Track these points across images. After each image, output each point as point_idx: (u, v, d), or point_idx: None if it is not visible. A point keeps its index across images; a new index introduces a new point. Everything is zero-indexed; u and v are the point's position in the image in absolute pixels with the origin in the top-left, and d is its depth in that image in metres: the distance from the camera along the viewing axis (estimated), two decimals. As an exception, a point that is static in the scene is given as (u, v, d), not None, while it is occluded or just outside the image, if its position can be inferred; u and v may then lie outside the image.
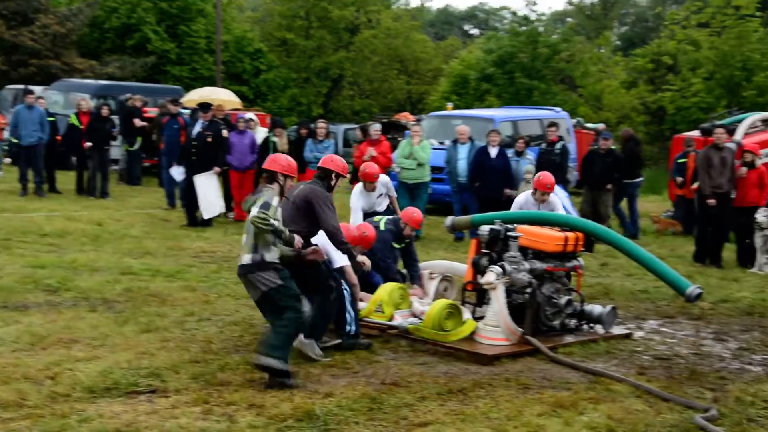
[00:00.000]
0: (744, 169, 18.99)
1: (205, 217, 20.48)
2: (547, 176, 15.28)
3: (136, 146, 27.99)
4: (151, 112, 29.43)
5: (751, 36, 39.92)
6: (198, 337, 11.20)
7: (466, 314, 11.70)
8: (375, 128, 21.49)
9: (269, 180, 9.78)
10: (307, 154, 21.36)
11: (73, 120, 25.96)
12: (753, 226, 18.33)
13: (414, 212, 13.28)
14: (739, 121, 26.05)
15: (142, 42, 48.93)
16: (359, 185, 15.29)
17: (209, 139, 20.12)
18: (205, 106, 21.11)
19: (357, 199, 15.11)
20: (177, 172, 21.00)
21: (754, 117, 26.65)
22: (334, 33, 54.84)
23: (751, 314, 14.22)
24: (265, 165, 9.99)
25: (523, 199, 15.10)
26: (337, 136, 23.82)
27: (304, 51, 54.29)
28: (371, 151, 20.50)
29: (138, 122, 27.42)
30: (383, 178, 15.12)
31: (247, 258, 9.62)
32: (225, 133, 20.93)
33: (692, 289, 11.54)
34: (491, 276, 11.32)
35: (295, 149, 21.52)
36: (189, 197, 20.48)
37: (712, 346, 12.05)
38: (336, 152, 21.44)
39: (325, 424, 8.27)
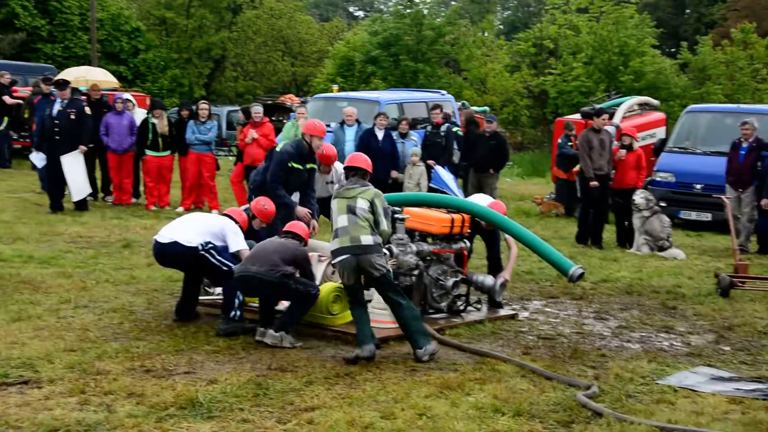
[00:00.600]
0: (623, 152, 19.32)
1: (74, 199, 19.94)
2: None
3: (3, 126, 27.10)
4: (22, 91, 28.73)
5: (627, 22, 40.64)
6: (74, 325, 10.98)
7: None
8: (256, 110, 21.33)
9: (363, 176, 10.38)
10: (189, 136, 21.13)
11: None
12: (631, 207, 18.68)
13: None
14: (618, 104, 26.57)
15: (9, 17, 47.16)
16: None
17: (72, 117, 19.49)
18: (61, 84, 20.32)
19: None
20: (37, 159, 20.52)
21: (632, 101, 27.24)
22: (216, 12, 54.38)
23: (630, 293, 14.50)
24: (356, 164, 10.49)
25: None
26: (220, 118, 23.57)
27: (185, 30, 53.69)
28: (253, 133, 20.38)
29: (8, 100, 26.62)
30: (338, 165, 14.56)
31: (367, 239, 9.89)
32: (88, 110, 20.42)
33: (575, 269, 11.72)
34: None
35: (177, 131, 21.34)
36: (53, 180, 19.86)
37: (594, 325, 12.28)
38: (219, 134, 21.32)
39: (209, 411, 8.21)
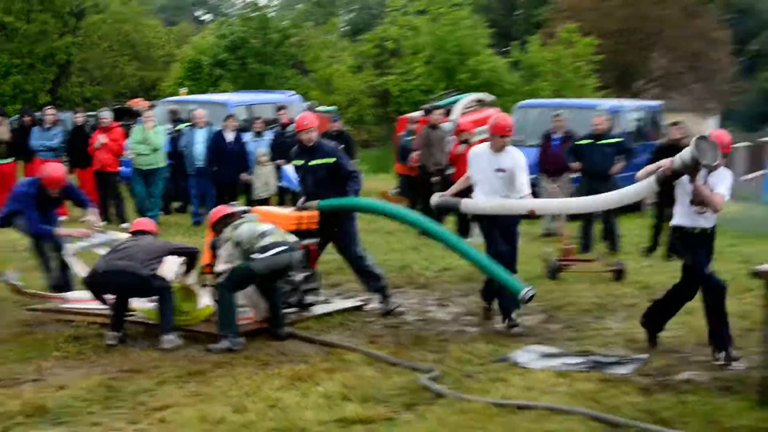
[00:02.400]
0: (461, 147, 19.60)
1: None
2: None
3: None
4: None
5: (463, 23, 41.21)
6: None
7: (206, 297, 11.64)
8: (104, 115, 20.93)
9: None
10: (33, 143, 20.64)
11: None
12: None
13: None
14: (456, 102, 26.91)
15: None
16: None
17: None
18: None
19: None
20: None
21: (469, 98, 27.59)
22: (59, 17, 52.98)
23: (468, 280, 14.60)
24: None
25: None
26: (66, 123, 23.10)
27: (26, 36, 52.34)
28: (102, 138, 19.99)
29: None
30: None
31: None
32: None
33: (525, 291, 11.11)
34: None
35: (20, 138, 20.83)
36: None
37: (436, 311, 12.54)
38: (64, 140, 20.88)
39: (57, 416, 8.10)
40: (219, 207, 12.03)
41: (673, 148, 16.73)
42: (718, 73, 61.20)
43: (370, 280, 12.62)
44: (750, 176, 36.91)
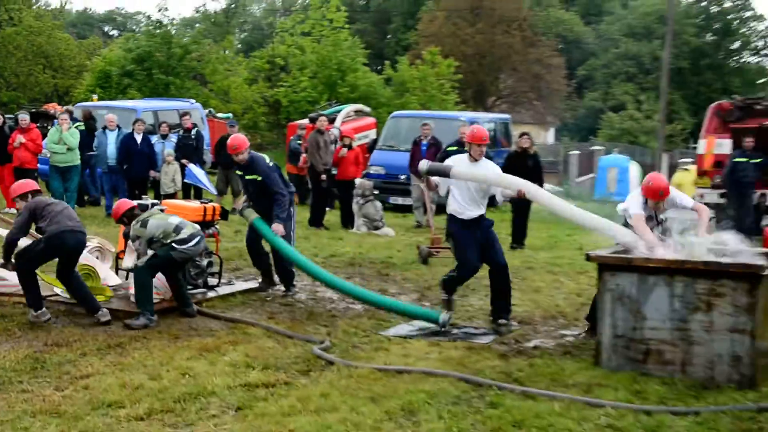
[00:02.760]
0: (344, 150, 19.63)
1: None
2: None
3: None
4: None
5: (342, 44, 41.39)
6: None
7: (116, 280, 11.61)
8: (22, 117, 20.28)
9: None
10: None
11: None
12: (352, 195, 18.98)
13: None
14: (338, 111, 26.94)
15: None
16: None
17: None
18: None
19: None
20: None
21: (349, 108, 27.69)
22: (-24, 30, 52.04)
23: (352, 265, 14.74)
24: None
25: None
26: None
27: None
28: (20, 138, 19.39)
29: None
30: None
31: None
32: None
33: (444, 317, 10.52)
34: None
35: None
36: None
37: (325, 291, 12.28)
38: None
39: (-13, 386, 7.89)
40: (121, 201, 11.81)
41: (522, 155, 16.98)
42: (555, 93, 62.67)
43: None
44: (582, 179, 37.67)
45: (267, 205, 11.92)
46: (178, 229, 10.46)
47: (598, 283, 8.96)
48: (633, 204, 9.73)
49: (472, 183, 10.45)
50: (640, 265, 8.63)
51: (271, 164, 12.16)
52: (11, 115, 22.84)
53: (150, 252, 10.44)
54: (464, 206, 10.46)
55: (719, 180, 19.30)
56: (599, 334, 8.86)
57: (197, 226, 10.97)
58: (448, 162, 10.78)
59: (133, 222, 10.66)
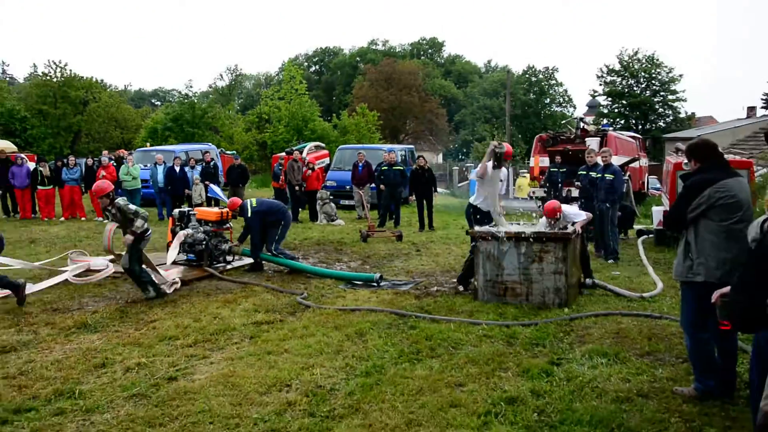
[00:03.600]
0: (309, 171, 19.56)
1: None
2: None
3: None
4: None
5: (305, 104, 41.24)
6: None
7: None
8: (103, 159, 19.86)
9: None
10: (63, 176, 19.36)
11: None
12: (317, 199, 18.99)
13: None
14: (304, 147, 26.81)
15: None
16: None
17: None
18: None
19: None
20: None
21: (311, 144, 27.58)
22: (73, 105, 51.05)
23: (318, 244, 14.57)
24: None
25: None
26: (81, 165, 21.64)
27: (54, 116, 50.34)
28: (102, 172, 18.99)
29: None
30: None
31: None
32: None
33: (376, 276, 10.25)
34: (181, 235, 11.17)
35: (55, 174, 19.54)
36: None
37: (302, 261, 12.20)
38: (81, 174, 19.83)
39: (95, 327, 7.77)
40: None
41: (421, 170, 17.10)
42: (441, 131, 63.23)
43: None
44: (461, 184, 37.98)
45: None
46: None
47: (473, 249, 8.98)
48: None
49: (498, 182, 9.87)
50: (497, 236, 8.79)
51: (248, 213, 11.27)
52: (96, 158, 22.46)
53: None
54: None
55: (543, 182, 19.73)
56: (476, 280, 8.91)
57: None
58: (484, 171, 9.64)
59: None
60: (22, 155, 21.14)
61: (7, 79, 71.44)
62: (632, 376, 5.97)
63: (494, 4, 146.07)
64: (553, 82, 73.08)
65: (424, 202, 17.06)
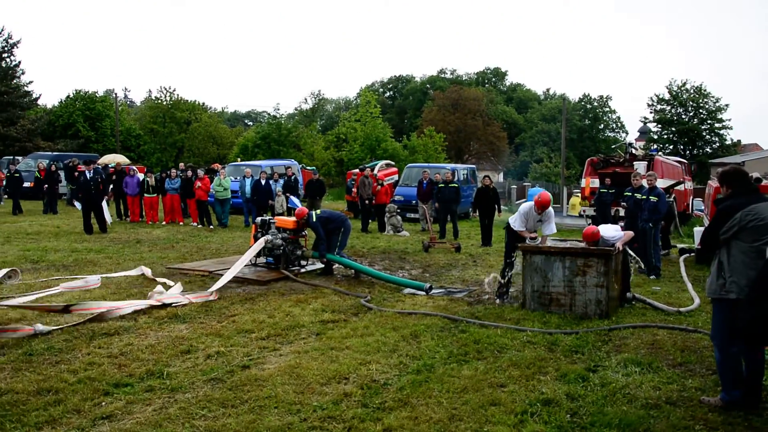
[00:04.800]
0: (379, 187, 19.66)
1: (107, 223, 17.77)
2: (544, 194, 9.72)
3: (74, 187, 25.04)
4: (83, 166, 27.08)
5: (378, 126, 41.48)
6: (114, 281, 10.36)
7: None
8: (200, 173, 20.35)
9: None
10: (167, 186, 20.05)
11: (37, 174, 24.09)
12: (385, 212, 19.05)
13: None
14: (375, 165, 26.96)
15: (75, 131, 45.13)
16: None
17: (99, 179, 17.40)
18: (89, 162, 18.65)
19: None
20: (78, 203, 19.29)
21: (382, 162, 27.66)
22: (178, 125, 53.08)
23: (385, 252, 14.59)
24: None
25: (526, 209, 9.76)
26: (180, 177, 22.49)
27: (162, 134, 52.34)
28: (199, 183, 19.48)
29: (81, 167, 24.72)
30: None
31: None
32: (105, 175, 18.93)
33: (426, 286, 9.99)
34: (261, 241, 11.40)
35: (160, 184, 20.33)
36: (86, 215, 17.19)
37: (370, 267, 12.21)
38: (182, 185, 20.47)
39: (183, 319, 7.98)
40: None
41: (486, 188, 16.87)
42: (502, 152, 62.51)
43: None
44: (519, 202, 37.42)
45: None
46: None
47: (523, 261, 8.82)
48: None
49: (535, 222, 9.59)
50: (546, 250, 8.67)
51: (314, 220, 11.43)
52: (181, 170, 23.26)
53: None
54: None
55: (593, 202, 19.28)
56: (523, 290, 8.78)
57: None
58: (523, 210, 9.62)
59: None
60: (134, 167, 22.09)
61: (128, 102, 74.98)
62: (663, 385, 5.79)
63: (554, 38, 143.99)
64: (607, 109, 71.62)
65: (486, 220, 16.82)
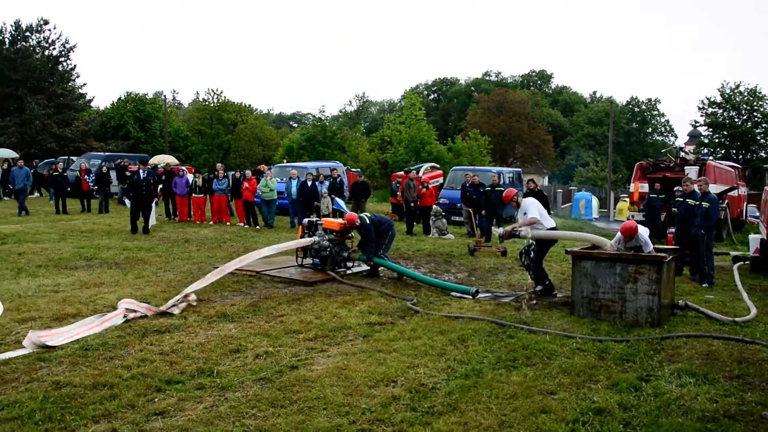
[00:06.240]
0: (424, 189, 19.62)
1: (150, 224, 17.74)
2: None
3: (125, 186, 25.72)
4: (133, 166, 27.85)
5: (423, 128, 41.44)
6: (163, 279, 10.66)
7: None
8: (247, 173, 20.67)
9: None
10: (214, 186, 20.44)
11: (77, 174, 25.48)
12: (430, 215, 18.98)
13: None
14: (421, 167, 26.95)
15: (126, 132, 46.40)
16: None
17: (151, 180, 17.73)
18: (144, 162, 19.02)
19: None
20: (128, 201, 19.78)
21: (427, 165, 27.64)
22: (225, 126, 53.98)
23: (430, 255, 14.54)
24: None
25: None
26: (229, 177, 22.87)
27: (210, 135, 53.26)
28: (246, 184, 19.73)
29: (131, 167, 25.27)
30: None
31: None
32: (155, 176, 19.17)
33: (473, 290, 9.96)
34: (303, 241, 11.54)
35: (208, 184, 20.69)
36: (134, 214, 17.37)
37: (415, 269, 12.20)
38: (228, 185, 20.81)
39: (232, 318, 8.09)
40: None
41: (531, 192, 16.67)
42: (547, 156, 61.67)
43: None
44: (565, 206, 36.92)
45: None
46: None
47: (572, 267, 8.71)
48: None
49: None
50: (596, 256, 8.53)
51: (367, 222, 11.44)
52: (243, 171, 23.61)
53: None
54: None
55: (642, 207, 18.88)
56: (573, 296, 8.65)
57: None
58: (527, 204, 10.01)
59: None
60: (183, 168, 22.54)
61: (177, 104, 76.69)
62: (720, 398, 5.61)
63: (600, 40, 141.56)
64: (656, 112, 70.11)
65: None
